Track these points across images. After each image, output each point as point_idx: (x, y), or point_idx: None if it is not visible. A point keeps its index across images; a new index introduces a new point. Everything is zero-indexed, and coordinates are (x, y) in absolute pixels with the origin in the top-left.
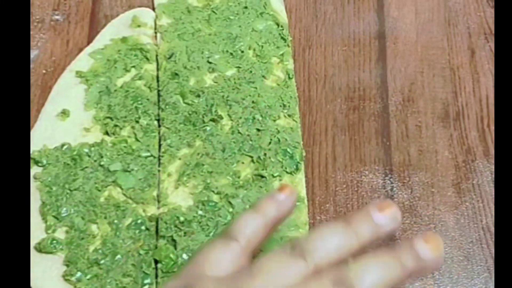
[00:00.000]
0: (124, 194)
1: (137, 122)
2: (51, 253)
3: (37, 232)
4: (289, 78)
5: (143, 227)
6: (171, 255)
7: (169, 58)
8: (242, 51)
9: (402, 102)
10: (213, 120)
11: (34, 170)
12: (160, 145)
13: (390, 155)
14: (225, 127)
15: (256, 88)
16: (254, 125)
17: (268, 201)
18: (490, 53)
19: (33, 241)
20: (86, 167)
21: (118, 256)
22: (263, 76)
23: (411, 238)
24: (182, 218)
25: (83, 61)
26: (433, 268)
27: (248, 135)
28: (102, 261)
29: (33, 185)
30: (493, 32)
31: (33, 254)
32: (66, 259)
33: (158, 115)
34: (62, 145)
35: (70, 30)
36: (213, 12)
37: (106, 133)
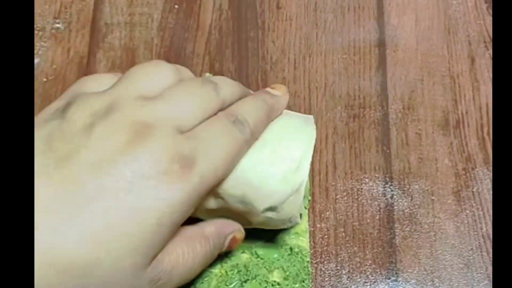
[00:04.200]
0: None
1: None
2: None
3: None
4: None
5: None
6: None
7: None
8: None
9: (402, 110)
10: None
11: None
12: None
13: (390, 162)
14: None
15: None
16: None
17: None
18: (490, 61)
19: None
20: None
21: None
22: None
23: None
24: None
25: None
26: (284, 102)
27: None
28: None
29: None
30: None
31: None
32: None
33: None
34: None
35: (71, 38)
36: None
37: None
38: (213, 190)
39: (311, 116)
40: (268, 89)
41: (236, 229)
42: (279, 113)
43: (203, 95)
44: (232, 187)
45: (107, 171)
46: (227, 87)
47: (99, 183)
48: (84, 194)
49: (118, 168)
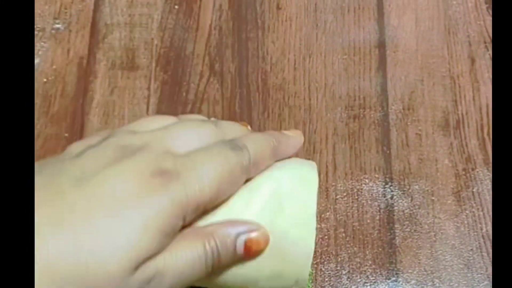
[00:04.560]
0: None
1: None
2: None
3: None
4: None
5: None
6: None
7: None
8: None
9: (402, 110)
10: None
11: None
12: None
13: (390, 163)
14: None
15: None
16: None
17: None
18: (490, 61)
19: None
20: None
21: None
22: None
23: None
24: None
25: None
26: (295, 144)
27: None
28: None
29: None
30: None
31: None
32: None
33: None
34: None
35: (71, 39)
36: None
37: None
38: None
39: (315, 188)
40: (282, 131)
41: (251, 229)
42: (289, 153)
43: (200, 126)
44: None
45: (91, 182)
46: (228, 124)
47: (83, 192)
48: (67, 202)
49: (101, 178)
